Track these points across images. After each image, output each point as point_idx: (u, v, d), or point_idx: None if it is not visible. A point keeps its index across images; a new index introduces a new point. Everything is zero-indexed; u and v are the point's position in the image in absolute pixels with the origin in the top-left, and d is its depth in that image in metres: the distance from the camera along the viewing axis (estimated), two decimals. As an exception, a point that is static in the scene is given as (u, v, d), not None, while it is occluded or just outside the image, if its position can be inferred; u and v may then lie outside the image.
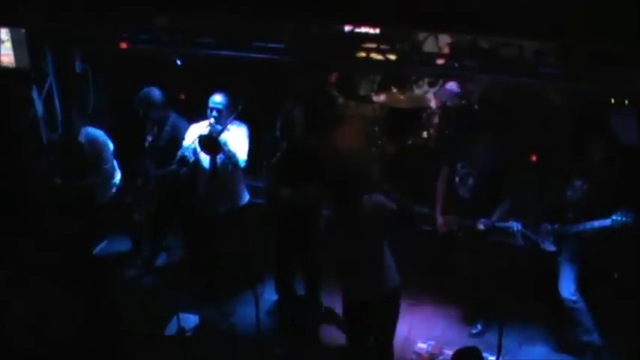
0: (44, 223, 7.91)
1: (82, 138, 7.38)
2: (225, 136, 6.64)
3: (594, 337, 6.39)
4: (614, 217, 5.93)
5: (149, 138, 7.20)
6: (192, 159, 6.76)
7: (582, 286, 6.40)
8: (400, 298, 5.94)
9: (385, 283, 5.74)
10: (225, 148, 6.61)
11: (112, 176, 7.61)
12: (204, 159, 6.86)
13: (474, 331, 6.91)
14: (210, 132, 6.59)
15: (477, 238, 6.59)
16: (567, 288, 6.37)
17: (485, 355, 6.30)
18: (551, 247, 6.46)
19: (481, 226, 6.49)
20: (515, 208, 6.54)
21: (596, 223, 6.08)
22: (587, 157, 6.35)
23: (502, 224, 6.44)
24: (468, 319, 7.07)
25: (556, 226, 6.40)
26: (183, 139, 6.98)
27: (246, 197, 7.16)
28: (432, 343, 6.76)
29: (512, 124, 8.04)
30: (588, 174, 6.29)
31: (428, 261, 7.57)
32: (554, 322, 6.84)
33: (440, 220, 6.81)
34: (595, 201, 6.21)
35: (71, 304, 6.96)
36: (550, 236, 6.45)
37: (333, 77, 9.50)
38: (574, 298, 6.34)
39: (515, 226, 6.35)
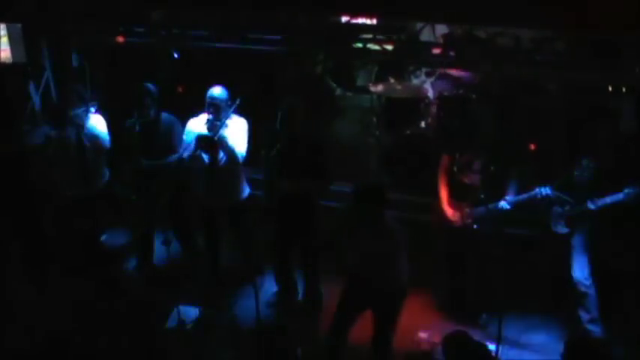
0: (42, 217, 7.94)
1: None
2: (223, 132, 6.64)
3: (597, 328, 6.36)
4: (626, 191, 5.92)
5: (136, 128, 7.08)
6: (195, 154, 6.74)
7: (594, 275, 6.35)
8: (402, 299, 6.03)
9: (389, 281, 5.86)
10: (224, 146, 6.60)
11: (104, 165, 7.56)
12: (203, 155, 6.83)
13: (480, 322, 6.89)
14: (208, 130, 6.57)
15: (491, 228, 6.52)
16: (580, 271, 6.34)
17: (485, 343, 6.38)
18: (563, 230, 6.44)
19: (506, 206, 6.37)
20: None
21: (609, 199, 6.06)
22: (593, 137, 6.38)
23: (527, 195, 6.31)
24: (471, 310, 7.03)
25: (567, 207, 6.37)
26: (176, 135, 7.02)
27: (246, 191, 7.13)
28: (433, 332, 6.76)
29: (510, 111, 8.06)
30: (595, 152, 6.24)
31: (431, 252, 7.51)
32: (555, 310, 6.84)
33: (450, 211, 6.67)
34: (603, 178, 6.18)
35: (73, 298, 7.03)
36: (562, 219, 6.41)
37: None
38: (587, 282, 6.32)
39: (541, 191, 6.22)
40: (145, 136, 7.00)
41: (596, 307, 6.36)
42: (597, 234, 6.43)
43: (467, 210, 6.60)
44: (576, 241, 6.43)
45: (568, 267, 6.48)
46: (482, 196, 6.52)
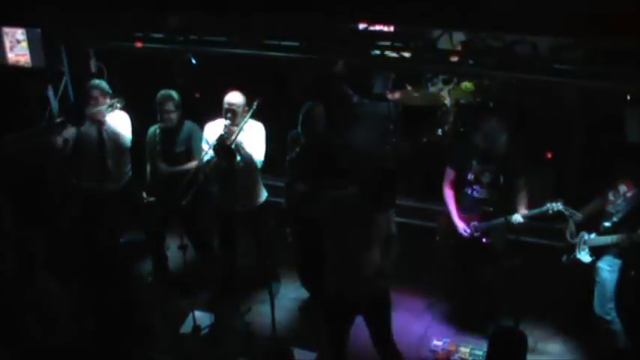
0: (59, 218, 7.98)
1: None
2: (240, 137, 6.63)
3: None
4: None
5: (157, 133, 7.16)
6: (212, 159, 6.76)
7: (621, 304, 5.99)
8: (386, 302, 5.73)
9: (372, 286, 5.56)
10: (242, 151, 6.61)
11: (126, 163, 7.62)
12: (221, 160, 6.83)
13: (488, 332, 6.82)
14: (225, 137, 6.58)
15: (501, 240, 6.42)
16: (602, 305, 6.00)
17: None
18: (587, 259, 6.09)
19: (519, 219, 6.19)
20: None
21: None
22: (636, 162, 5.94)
23: (538, 210, 6.11)
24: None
25: (592, 235, 6.09)
26: (196, 142, 7.07)
27: (263, 196, 7.13)
28: (448, 340, 6.73)
29: (527, 121, 8.02)
30: (636, 179, 5.83)
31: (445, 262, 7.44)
32: (570, 320, 6.78)
33: (460, 225, 6.53)
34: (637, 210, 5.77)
35: (84, 299, 7.03)
36: (587, 246, 6.10)
37: (338, 67, 9.41)
38: (608, 317, 5.98)
39: (553, 206, 5.99)
40: (165, 142, 7.07)
41: (623, 340, 6.02)
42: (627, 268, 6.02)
43: (475, 223, 6.50)
44: (600, 271, 6.02)
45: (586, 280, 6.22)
46: (491, 209, 6.40)
